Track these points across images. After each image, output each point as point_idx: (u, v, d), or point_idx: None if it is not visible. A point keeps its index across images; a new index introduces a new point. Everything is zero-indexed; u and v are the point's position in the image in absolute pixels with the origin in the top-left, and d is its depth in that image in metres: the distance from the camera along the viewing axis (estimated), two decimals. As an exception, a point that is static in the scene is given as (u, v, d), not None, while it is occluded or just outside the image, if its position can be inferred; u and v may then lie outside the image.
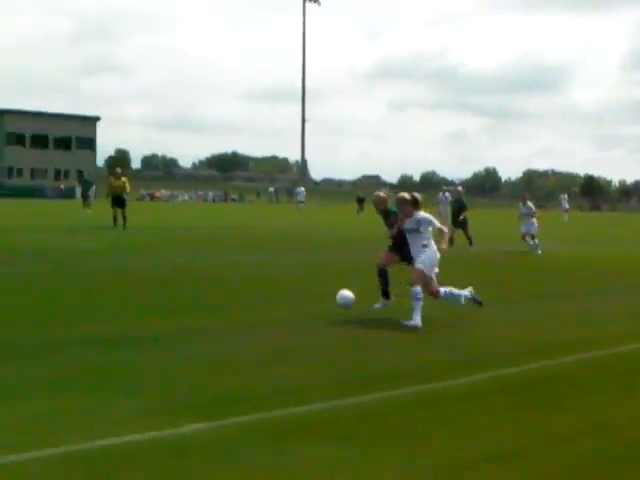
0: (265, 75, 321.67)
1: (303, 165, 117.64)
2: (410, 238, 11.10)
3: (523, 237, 25.27)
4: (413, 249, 11.05)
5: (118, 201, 31.15)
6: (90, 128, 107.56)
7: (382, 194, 12.54)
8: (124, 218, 30.64)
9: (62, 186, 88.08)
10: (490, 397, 7.31)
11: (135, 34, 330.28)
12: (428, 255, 10.93)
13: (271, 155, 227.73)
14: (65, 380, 7.35)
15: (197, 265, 18.54)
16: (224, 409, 6.44)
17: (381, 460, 5.38)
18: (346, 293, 11.19)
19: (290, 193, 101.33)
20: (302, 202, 68.80)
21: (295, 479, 5.00)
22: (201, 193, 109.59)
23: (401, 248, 11.50)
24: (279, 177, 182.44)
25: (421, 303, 10.63)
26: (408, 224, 11.07)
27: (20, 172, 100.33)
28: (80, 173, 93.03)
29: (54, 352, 8.54)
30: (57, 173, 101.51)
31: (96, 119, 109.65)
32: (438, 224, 11.18)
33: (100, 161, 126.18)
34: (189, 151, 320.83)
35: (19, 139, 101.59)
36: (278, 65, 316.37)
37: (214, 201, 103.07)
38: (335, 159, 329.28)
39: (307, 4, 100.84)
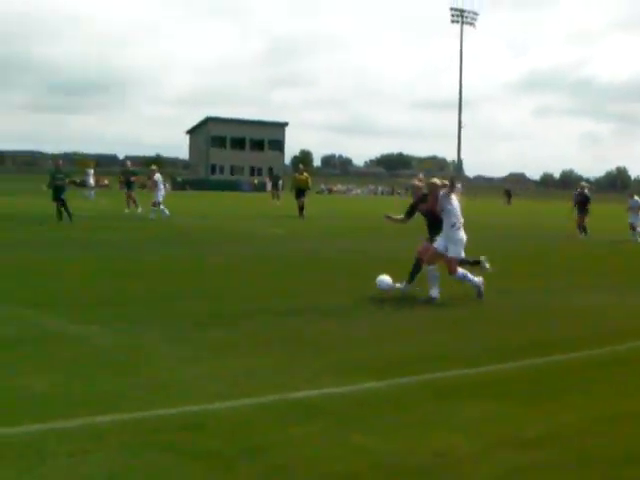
0: (429, 87, 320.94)
1: (459, 164, 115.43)
2: (443, 217, 10.68)
3: (631, 227, 25.29)
4: (445, 227, 10.60)
5: (301, 193, 31.89)
6: (280, 132, 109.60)
7: (425, 180, 11.70)
8: (303, 208, 31.37)
9: (255, 181, 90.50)
10: (629, 365, 7.22)
11: (317, 52, 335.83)
12: (459, 240, 10.57)
13: (432, 155, 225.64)
14: (261, 343, 7.55)
15: (371, 249, 18.68)
16: (394, 370, 6.56)
17: (531, 416, 5.40)
18: (384, 278, 10.81)
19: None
20: (457, 195, 67.97)
21: (455, 431, 5.04)
22: (372, 187, 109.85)
23: (433, 230, 10.98)
24: (438, 174, 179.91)
25: (470, 277, 10.58)
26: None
27: (222, 169, 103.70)
28: (270, 170, 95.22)
29: (252, 320, 8.82)
30: (252, 170, 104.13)
31: (285, 124, 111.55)
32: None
33: (287, 160, 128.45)
34: (362, 151, 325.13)
35: (221, 142, 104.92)
36: (440, 79, 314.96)
37: (382, 194, 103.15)
38: (486, 159, 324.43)
39: (464, 27, 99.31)
